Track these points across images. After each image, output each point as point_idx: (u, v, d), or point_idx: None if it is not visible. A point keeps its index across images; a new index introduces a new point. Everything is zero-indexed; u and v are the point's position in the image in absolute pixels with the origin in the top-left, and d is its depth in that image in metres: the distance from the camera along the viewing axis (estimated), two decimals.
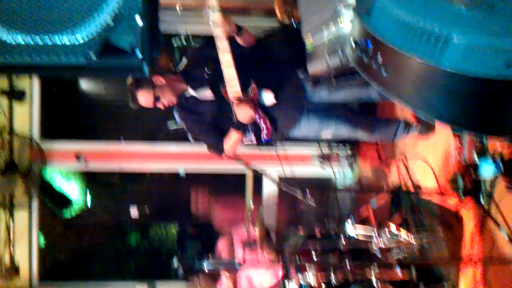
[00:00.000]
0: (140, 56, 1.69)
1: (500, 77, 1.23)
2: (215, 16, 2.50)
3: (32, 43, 1.62)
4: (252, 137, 2.88)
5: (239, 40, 2.76)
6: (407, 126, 3.21)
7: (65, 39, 1.62)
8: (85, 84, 4.61)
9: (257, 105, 2.82)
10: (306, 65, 2.86)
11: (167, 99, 2.86)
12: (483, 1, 1.35)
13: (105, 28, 1.67)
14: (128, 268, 4.77)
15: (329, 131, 3.13)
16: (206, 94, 2.90)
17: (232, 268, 3.56)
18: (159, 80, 2.81)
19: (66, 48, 1.65)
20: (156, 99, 2.82)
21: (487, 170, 2.45)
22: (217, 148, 2.92)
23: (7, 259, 4.22)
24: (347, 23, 2.28)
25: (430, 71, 1.30)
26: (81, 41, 1.63)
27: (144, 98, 2.80)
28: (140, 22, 1.66)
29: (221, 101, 2.83)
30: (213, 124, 2.91)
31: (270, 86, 2.83)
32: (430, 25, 1.27)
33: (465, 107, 1.35)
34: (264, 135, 2.89)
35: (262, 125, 2.85)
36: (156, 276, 4.38)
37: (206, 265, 3.42)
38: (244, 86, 2.72)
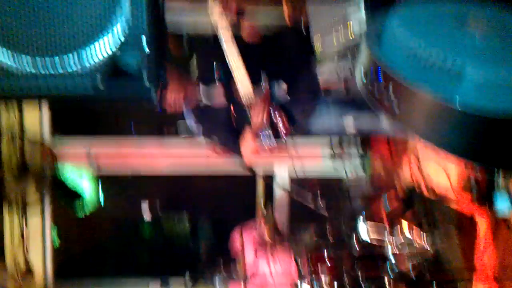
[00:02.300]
0: (147, 84, 1.66)
1: None
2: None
3: (37, 66, 1.60)
4: (271, 138, 2.82)
5: (243, 34, 2.70)
6: None
7: (70, 61, 1.60)
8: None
9: (271, 101, 2.78)
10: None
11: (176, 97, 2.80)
12: (498, 33, 1.31)
13: (111, 53, 1.64)
14: (142, 265, 4.80)
15: (350, 122, 3.07)
16: (220, 99, 2.86)
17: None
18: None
19: (72, 71, 1.63)
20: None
21: (502, 204, 2.42)
22: (236, 155, 2.88)
23: (21, 260, 4.25)
24: (356, 27, 2.24)
25: (442, 107, 1.27)
26: (87, 64, 1.61)
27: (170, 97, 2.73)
28: (146, 49, 1.63)
29: (236, 105, 2.79)
30: (230, 130, 2.87)
31: (283, 78, 2.79)
32: (443, 56, 1.23)
33: (478, 142, 1.33)
34: (282, 132, 2.84)
35: (279, 122, 2.80)
36: (170, 272, 4.39)
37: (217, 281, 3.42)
38: (255, 81, 2.67)
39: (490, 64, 1.22)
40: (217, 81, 2.76)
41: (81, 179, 4.59)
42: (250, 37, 2.76)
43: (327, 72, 2.62)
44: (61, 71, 1.61)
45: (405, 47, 1.31)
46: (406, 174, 3.71)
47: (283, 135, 2.80)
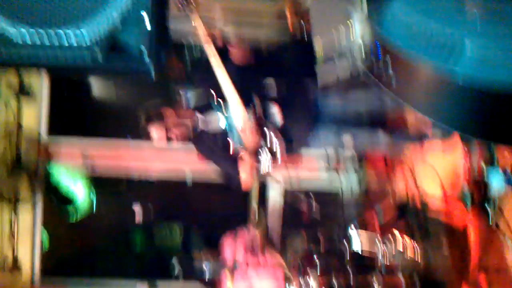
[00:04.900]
0: (147, 60, 1.68)
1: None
2: (196, 20, 2.41)
3: (37, 36, 1.61)
4: (268, 161, 2.81)
5: (233, 58, 2.71)
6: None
7: (71, 34, 1.61)
8: (95, 83, 4.60)
9: (266, 122, 2.77)
10: (316, 77, 2.84)
11: (180, 131, 2.82)
12: (497, 9, 1.32)
13: (113, 28, 1.65)
14: (130, 267, 4.75)
15: (349, 140, 3.08)
16: (217, 124, 2.86)
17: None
18: (169, 112, 2.76)
19: (73, 44, 1.64)
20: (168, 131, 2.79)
21: (496, 181, 2.41)
22: (233, 181, 2.87)
23: (9, 256, 4.21)
24: (357, 27, 2.25)
25: (441, 79, 1.28)
26: (87, 37, 1.61)
27: (156, 133, 2.77)
28: (148, 25, 1.64)
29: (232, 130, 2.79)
30: (228, 155, 2.87)
31: (277, 100, 2.80)
32: (443, 31, 1.24)
33: (475, 115, 1.33)
34: (279, 153, 2.83)
35: (275, 144, 2.80)
36: (159, 276, 4.36)
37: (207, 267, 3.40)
38: (248, 103, 2.68)
39: (489, 39, 1.23)
40: (213, 107, 2.77)
41: (74, 183, 4.57)
42: (241, 60, 2.78)
43: (327, 72, 2.65)
44: (61, 43, 1.62)
45: (406, 24, 1.32)
46: (400, 187, 3.72)
47: (280, 157, 2.81)
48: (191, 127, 2.86)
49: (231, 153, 2.82)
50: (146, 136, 2.83)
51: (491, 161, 2.49)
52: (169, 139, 2.80)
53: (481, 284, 2.67)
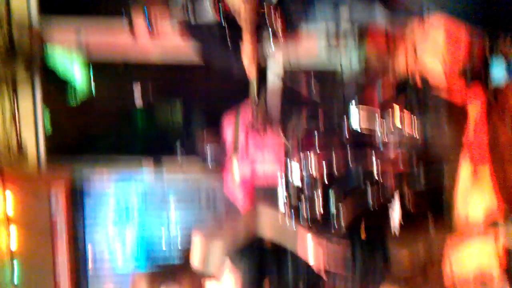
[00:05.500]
0: None
1: None
2: None
3: None
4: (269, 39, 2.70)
5: None
6: None
7: None
8: None
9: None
10: None
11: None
12: None
13: None
14: (134, 146, 4.84)
15: (346, 13, 2.99)
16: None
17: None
18: None
19: None
20: None
21: (498, 72, 2.38)
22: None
23: (13, 140, 4.28)
24: None
25: None
26: None
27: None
28: None
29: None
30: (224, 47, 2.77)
31: None
32: None
33: (480, 5, 1.29)
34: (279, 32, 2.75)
35: (275, 22, 2.70)
36: (163, 153, 4.45)
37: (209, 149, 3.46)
38: None
39: None
40: None
41: (71, 65, 4.52)
42: None
43: None
44: None
45: None
46: (401, 64, 3.68)
47: (281, 35, 2.75)
48: (182, 21, 2.75)
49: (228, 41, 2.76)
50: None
51: (493, 48, 2.43)
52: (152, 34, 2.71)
53: (476, 160, 2.73)
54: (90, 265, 4.54)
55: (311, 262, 2.77)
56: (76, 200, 4.43)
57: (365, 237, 2.94)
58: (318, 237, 2.83)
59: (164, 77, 4.75)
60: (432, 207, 3.05)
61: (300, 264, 2.78)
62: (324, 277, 2.75)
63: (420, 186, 2.94)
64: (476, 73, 2.66)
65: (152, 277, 2.85)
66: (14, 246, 4.21)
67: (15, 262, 4.21)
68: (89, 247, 4.53)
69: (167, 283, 2.84)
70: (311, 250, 2.75)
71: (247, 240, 2.85)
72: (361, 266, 2.83)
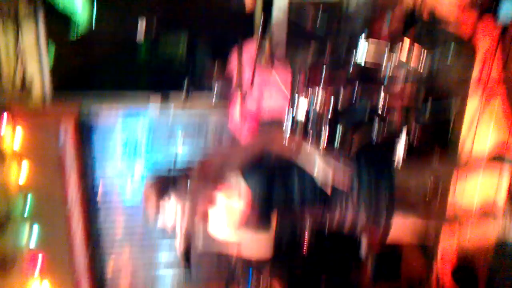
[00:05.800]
0: None
1: None
2: None
3: None
4: None
5: None
6: None
7: None
8: None
9: None
10: None
11: None
12: None
13: None
14: (141, 81, 4.82)
15: None
16: None
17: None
18: None
19: None
20: None
21: (506, 11, 2.31)
22: None
23: (18, 74, 4.26)
24: None
25: None
26: None
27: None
28: None
29: None
30: None
31: None
32: None
33: None
34: None
35: None
36: (171, 88, 4.43)
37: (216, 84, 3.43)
38: None
39: None
40: None
41: None
42: None
43: None
44: None
45: None
46: None
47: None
48: None
49: None
50: None
51: None
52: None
53: (484, 94, 2.71)
54: (99, 198, 4.63)
55: (318, 177, 2.81)
56: (84, 135, 4.45)
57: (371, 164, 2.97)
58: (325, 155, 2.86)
59: (169, 8, 4.67)
60: (439, 141, 3.06)
61: (307, 181, 2.82)
62: (329, 192, 2.79)
63: (427, 120, 2.94)
64: (486, 6, 2.59)
65: (165, 181, 2.87)
66: (24, 180, 4.29)
67: (26, 196, 4.30)
68: (99, 181, 4.60)
69: (178, 189, 2.87)
70: (318, 165, 2.80)
71: (256, 158, 2.88)
72: (366, 190, 2.88)
